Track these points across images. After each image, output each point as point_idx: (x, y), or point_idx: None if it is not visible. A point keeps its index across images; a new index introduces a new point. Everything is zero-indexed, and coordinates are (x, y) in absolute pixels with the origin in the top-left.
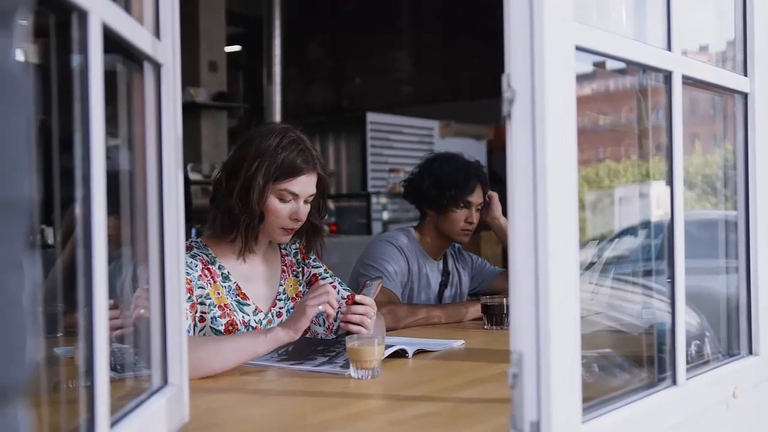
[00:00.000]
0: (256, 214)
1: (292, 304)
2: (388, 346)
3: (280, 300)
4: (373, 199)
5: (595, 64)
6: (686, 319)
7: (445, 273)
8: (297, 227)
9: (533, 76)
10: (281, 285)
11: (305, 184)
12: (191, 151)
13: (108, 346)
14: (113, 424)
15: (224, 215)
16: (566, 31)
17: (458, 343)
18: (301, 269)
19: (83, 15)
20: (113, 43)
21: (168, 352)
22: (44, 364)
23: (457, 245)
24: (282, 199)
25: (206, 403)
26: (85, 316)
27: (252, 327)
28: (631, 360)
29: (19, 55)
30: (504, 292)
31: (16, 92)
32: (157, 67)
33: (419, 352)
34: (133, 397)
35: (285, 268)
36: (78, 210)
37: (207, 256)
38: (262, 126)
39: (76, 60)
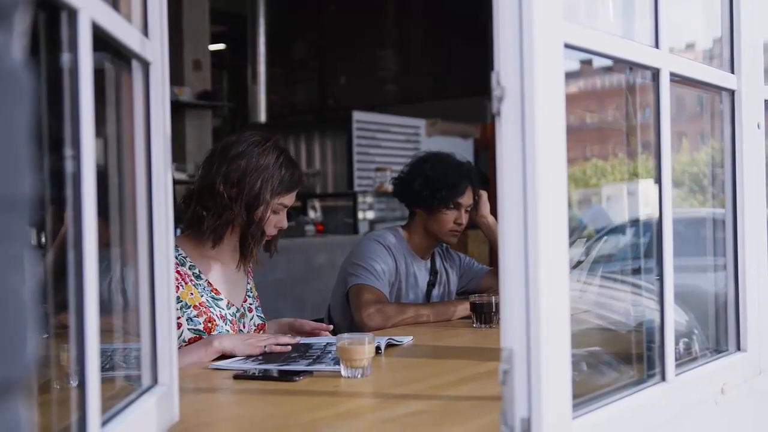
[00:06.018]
0: (261, 228)
1: (257, 302)
2: None
3: (249, 297)
4: (360, 199)
5: (582, 62)
6: (675, 318)
7: (433, 272)
8: (275, 233)
9: (522, 73)
10: (249, 284)
11: (294, 196)
12: (175, 151)
13: (99, 347)
14: (104, 423)
15: (224, 226)
16: (555, 28)
17: (407, 339)
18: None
19: (73, 13)
20: (101, 41)
21: (158, 352)
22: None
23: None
24: (274, 212)
25: (196, 402)
26: (75, 317)
27: (229, 320)
28: (620, 357)
29: (19, 53)
30: (492, 290)
31: (16, 90)
32: (145, 65)
33: (389, 346)
34: (122, 396)
35: (249, 270)
36: (68, 210)
37: (176, 257)
38: (246, 135)
39: (65, 58)
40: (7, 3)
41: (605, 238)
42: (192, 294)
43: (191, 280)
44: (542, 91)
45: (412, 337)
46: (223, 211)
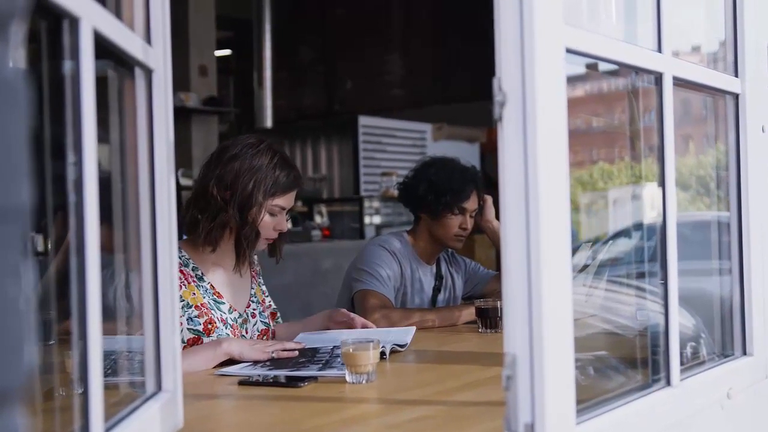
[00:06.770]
0: (255, 229)
1: (262, 308)
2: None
3: (253, 302)
4: (366, 203)
5: (588, 66)
6: (681, 321)
7: (439, 277)
8: (276, 237)
9: (524, 79)
10: (252, 288)
11: (292, 199)
12: (182, 157)
13: (101, 353)
14: (107, 430)
15: (219, 228)
16: (557, 33)
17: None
18: (261, 279)
19: (74, 21)
20: (104, 48)
21: (162, 359)
22: (37, 372)
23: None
24: (271, 214)
25: (200, 409)
26: (78, 323)
27: (230, 324)
28: (626, 361)
29: (16, 62)
30: (497, 295)
31: (13, 99)
32: (148, 72)
33: (393, 352)
34: (126, 403)
35: (253, 274)
36: (70, 217)
37: (180, 258)
38: (241, 138)
39: (67, 66)
40: (3, 12)
41: (611, 241)
42: (194, 294)
43: (194, 281)
44: (544, 96)
45: (414, 328)
46: (217, 214)
